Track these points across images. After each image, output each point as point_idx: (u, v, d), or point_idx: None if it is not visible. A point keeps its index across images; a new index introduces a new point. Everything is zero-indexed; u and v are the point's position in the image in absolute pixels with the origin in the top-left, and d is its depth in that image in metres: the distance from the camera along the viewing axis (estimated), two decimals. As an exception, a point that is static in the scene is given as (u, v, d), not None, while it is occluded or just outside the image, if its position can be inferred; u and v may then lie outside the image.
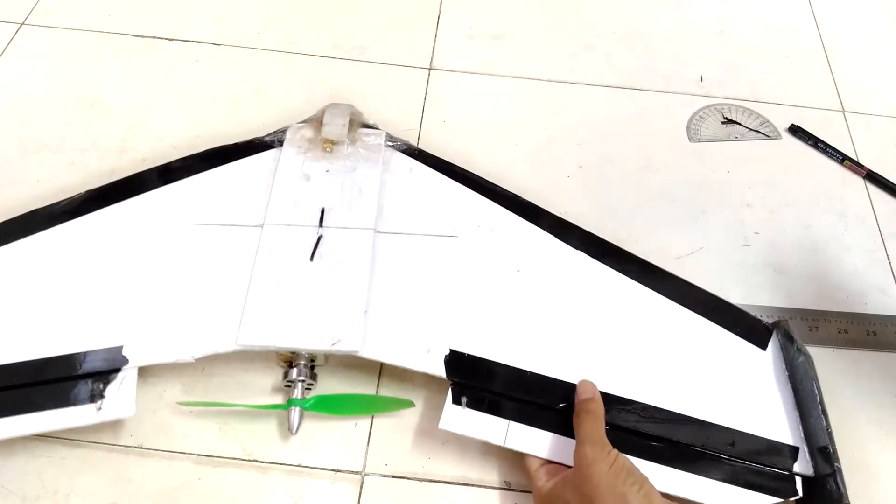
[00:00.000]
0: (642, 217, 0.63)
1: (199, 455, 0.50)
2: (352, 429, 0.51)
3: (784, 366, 0.52)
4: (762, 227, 0.63)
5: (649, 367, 0.51)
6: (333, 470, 0.50)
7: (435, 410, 0.50)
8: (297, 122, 0.61)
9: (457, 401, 0.48)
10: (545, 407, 0.49)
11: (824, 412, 0.49)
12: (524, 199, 0.58)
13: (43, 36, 0.73)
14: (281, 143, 0.59)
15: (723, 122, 0.70)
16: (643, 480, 0.43)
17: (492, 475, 0.50)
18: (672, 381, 0.51)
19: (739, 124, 0.70)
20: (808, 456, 0.48)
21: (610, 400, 0.49)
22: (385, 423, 0.52)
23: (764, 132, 0.70)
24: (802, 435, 0.49)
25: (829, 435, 0.48)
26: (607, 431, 0.46)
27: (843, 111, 0.72)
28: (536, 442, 0.48)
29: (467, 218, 0.57)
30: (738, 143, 0.69)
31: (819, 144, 0.69)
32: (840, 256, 0.62)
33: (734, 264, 0.60)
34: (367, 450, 0.51)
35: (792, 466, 0.48)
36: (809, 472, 0.48)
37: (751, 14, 0.80)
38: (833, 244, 0.63)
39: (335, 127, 0.59)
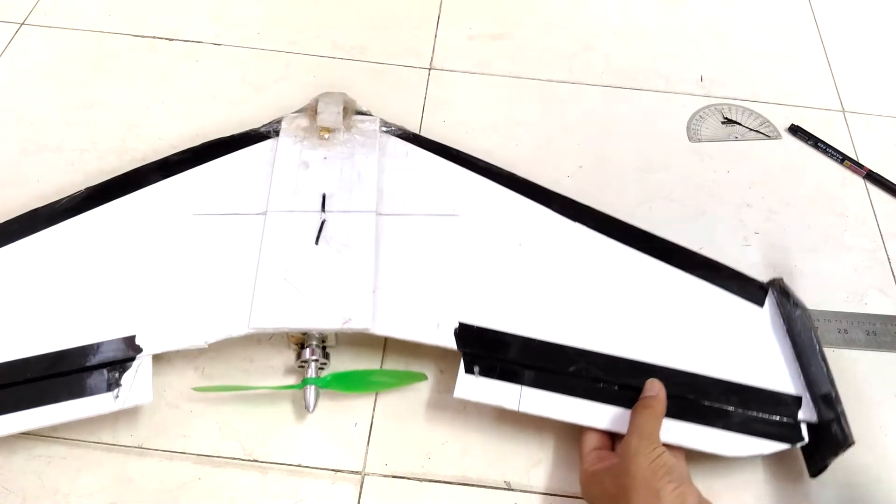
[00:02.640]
0: (642, 217, 0.62)
1: (199, 455, 0.50)
2: (352, 429, 0.51)
3: (782, 320, 0.53)
4: (762, 227, 0.63)
5: (653, 328, 0.52)
6: (333, 470, 0.50)
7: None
8: (292, 113, 0.62)
9: (469, 370, 0.49)
10: (556, 371, 0.50)
11: (824, 360, 0.50)
12: (520, 177, 0.59)
13: (43, 36, 0.73)
14: (277, 134, 0.60)
15: (723, 122, 0.70)
16: (682, 481, 0.42)
17: (492, 475, 0.50)
18: (675, 340, 0.52)
19: (739, 124, 0.70)
20: (811, 404, 0.49)
21: (617, 362, 0.50)
22: (385, 421, 0.52)
23: (764, 132, 0.70)
24: (804, 384, 0.50)
25: (831, 381, 0.49)
26: (625, 394, 0.48)
27: (843, 111, 0.72)
28: (550, 404, 0.49)
29: (466, 197, 0.58)
30: (738, 143, 0.69)
31: (819, 144, 0.69)
32: (840, 256, 0.62)
33: (734, 264, 0.60)
34: (367, 450, 0.51)
35: (796, 414, 0.49)
36: (814, 418, 0.49)
37: (751, 14, 0.80)
38: (833, 244, 0.62)
39: (330, 115, 0.60)
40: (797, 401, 0.50)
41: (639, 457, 0.43)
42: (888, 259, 0.62)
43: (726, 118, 0.71)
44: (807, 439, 0.49)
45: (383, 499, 0.49)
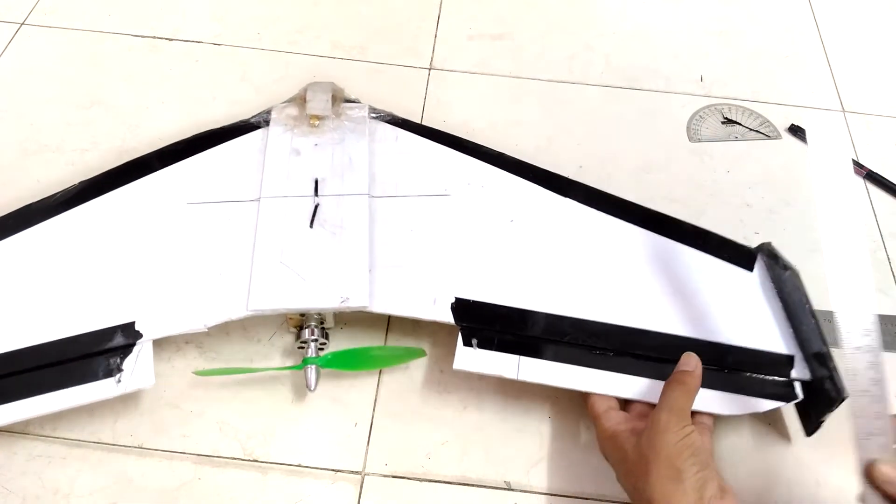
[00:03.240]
0: (642, 217, 0.63)
1: (199, 455, 0.50)
2: (352, 429, 0.51)
3: (771, 283, 0.54)
4: (762, 227, 0.63)
5: (645, 296, 0.54)
6: (333, 470, 0.50)
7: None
8: (281, 103, 0.62)
9: (467, 343, 0.50)
10: (552, 341, 0.51)
11: (815, 319, 0.51)
12: (510, 156, 0.60)
13: (43, 36, 0.73)
14: (267, 123, 0.61)
15: (723, 122, 0.70)
16: (706, 465, 0.42)
17: (492, 475, 0.50)
18: (668, 307, 0.53)
19: (739, 124, 0.70)
20: (804, 362, 0.50)
21: (611, 329, 0.51)
22: (385, 421, 0.52)
23: (764, 132, 0.70)
24: (797, 344, 0.51)
25: (823, 340, 0.50)
26: (621, 360, 0.49)
27: (843, 111, 0.72)
28: (548, 373, 0.50)
29: (456, 177, 0.59)
30: (738, 143, 0.69)
31: (819, 144, 0.69)
32: (840, 256, 0.62)
33: (734, 264, 0.60)
34: (367, 450, 0.51)
35: (789, 373, 0.50)
36: (807, 376, 0.50)
37: (751, 14, 0.80)
38: (833, 244, 0.62)
39: (319, 102, 0.60)
40: (789, 360, 0.51)
41: (667, 434, 0.42)
42: (888, 259, 0.62)
43: (726, 118, 0.71)
44: (801, 397, 0.49)
45: (383, 499, 0.49)
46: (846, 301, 0.41)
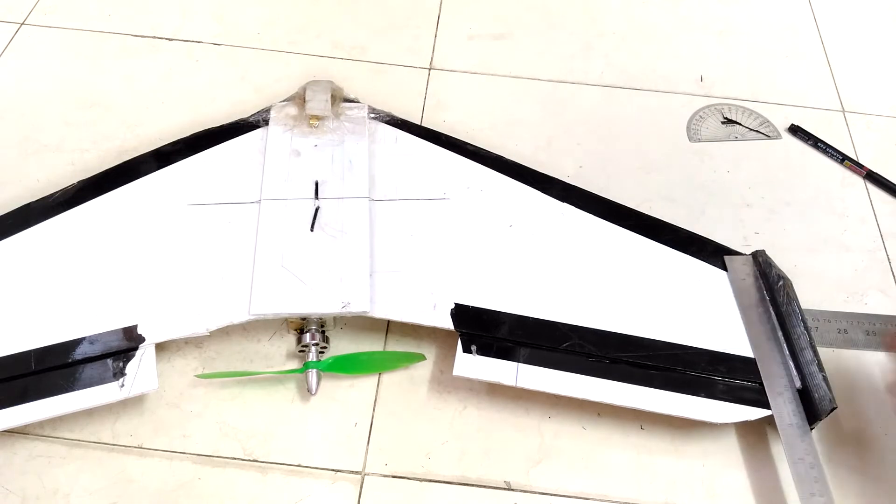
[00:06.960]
0: (642, 217, 0.63)
1: (199, 455, 0.50)
2: (352, 429, 0.51)
3: (765, 292, 0.55)
4: (762, 227, 0.63)
5: (641, 303, 0.54)
6: (333, 470, 0.50)
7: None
8: (280, 101, 0.62)
9: (467, 349, 0.50)
10: (550, 348, 0.51)
11: (807, 328, 0.52)
12: (508, 160, 0.61)
13: (43, 36, 0.73)
14: (266, 123, 0.61)
15: (723, 122, 0.70)
16: None
17: (492, 475, 0.50)
18: (663, 314, 0.54)
19: (739, 124, 0.70)
20: (796, 370, 0.51)
21: (608, 337, 0.52)
22: (385, 421, 0.52)
23: (764, 132, 0.70)
24: (789, 352, 0.52)
25: (814, 349, 0.51)
26: (618, 368, 0.51)
27: (843, 111, 0.72)
28: (546, 380, 0.50)
29: (456, 180, 0.59)
30: (738, 143, 0.69)
31: (819, 144, 0.69)
32: (840, 256, 0.62)
33: (734, 264, 0.60)
34: (367, 450, 0.51)
35: None
36: (798, 384, 0.51)
37: (751, 14, 0.80)
38: (833, 244, 0.62)
39: (318, 102, 0.61)
40: None
41: None
42: (888, 259, 0.62)
43: (726, 118, 0.71)
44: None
45: (383, 499, 0.49)
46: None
